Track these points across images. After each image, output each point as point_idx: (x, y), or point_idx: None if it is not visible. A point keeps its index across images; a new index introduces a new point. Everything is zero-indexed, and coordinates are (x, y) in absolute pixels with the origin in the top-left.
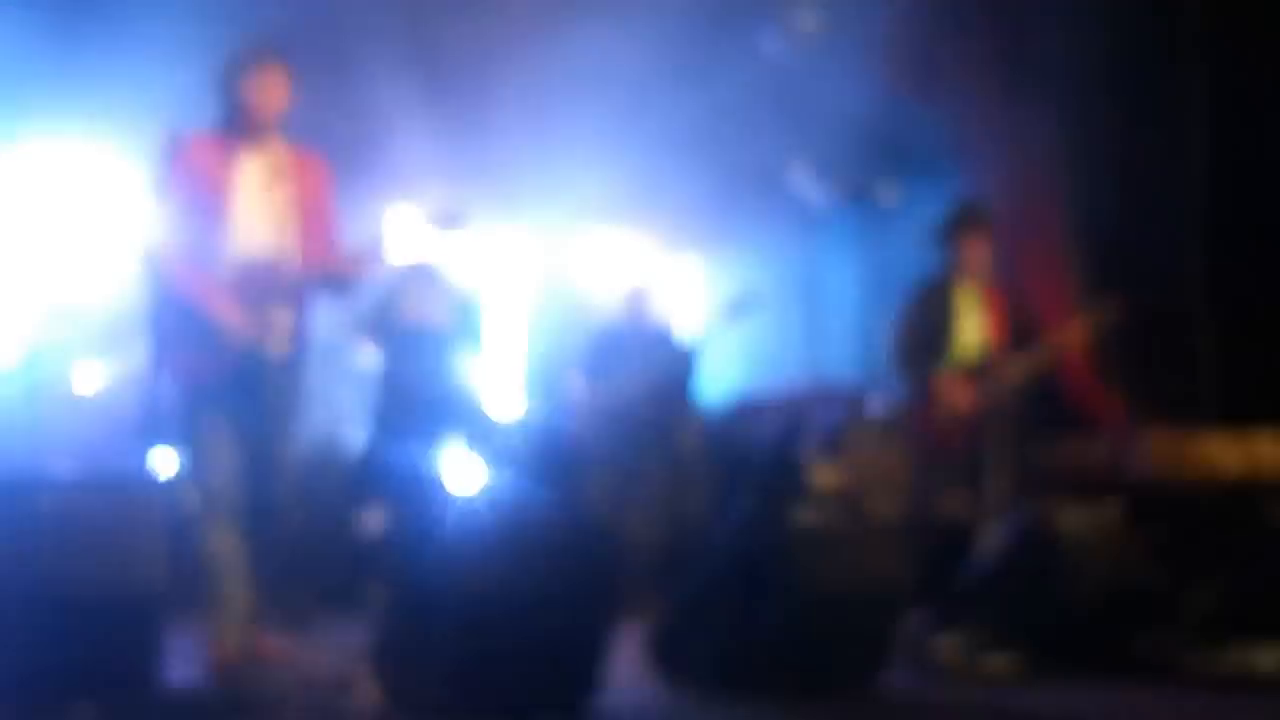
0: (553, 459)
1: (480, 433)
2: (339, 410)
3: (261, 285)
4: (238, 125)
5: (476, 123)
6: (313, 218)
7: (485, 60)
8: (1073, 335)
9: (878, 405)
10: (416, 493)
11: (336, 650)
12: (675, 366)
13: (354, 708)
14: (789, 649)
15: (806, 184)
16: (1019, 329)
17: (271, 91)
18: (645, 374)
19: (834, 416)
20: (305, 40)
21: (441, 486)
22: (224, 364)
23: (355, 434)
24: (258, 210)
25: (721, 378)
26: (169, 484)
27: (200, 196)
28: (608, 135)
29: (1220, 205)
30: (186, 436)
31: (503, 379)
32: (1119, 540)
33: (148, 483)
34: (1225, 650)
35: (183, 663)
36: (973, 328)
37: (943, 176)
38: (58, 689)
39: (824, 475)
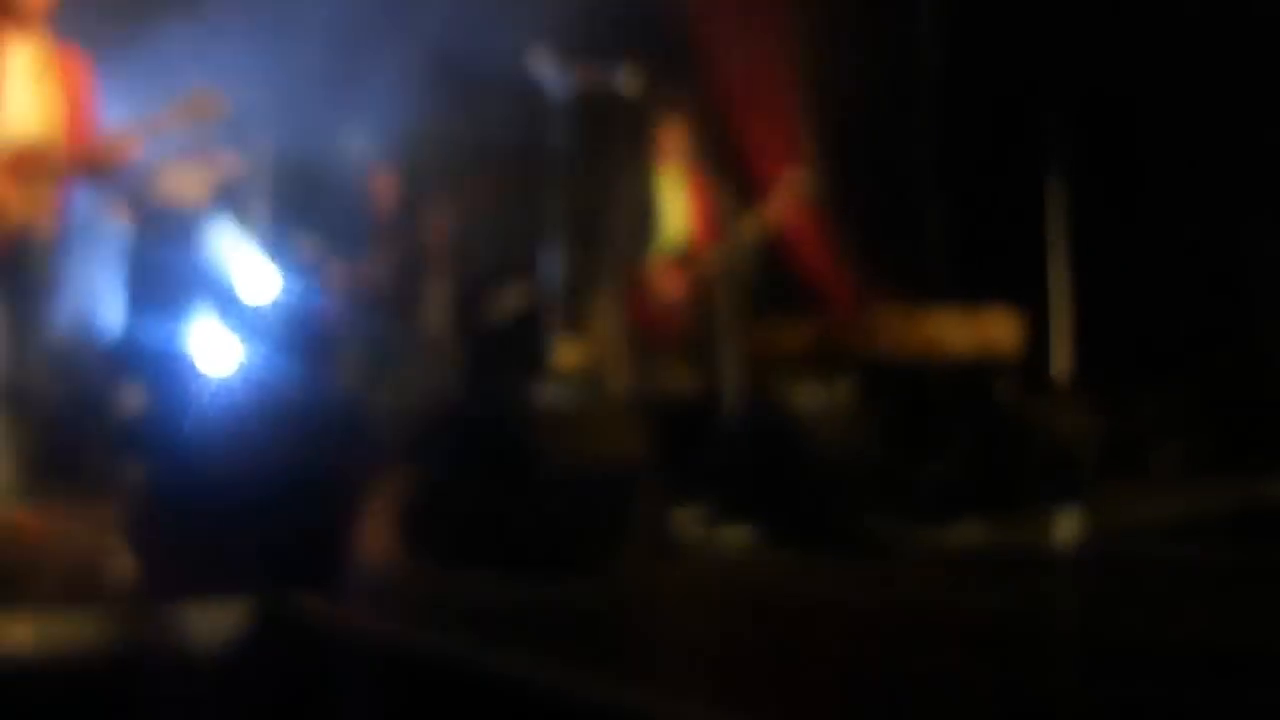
0: (305, 336)
1: (233, 310)
2: (95, 290)
3: (27, 167)
4: (6, 15)
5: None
6: (76, 108)
7: None
8: (774, 207)
9: (618, 275)
10: (170, 371)
11: (93, 527)
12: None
13: (108, 580)
14: (529, 527)
15: (542, 67)
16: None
17: None
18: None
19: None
20: None
21: (194, 365)
22: None
23: (111, 314)
24: (23, 97)
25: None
26: None
27: None
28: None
29: (952, 89)
30: None
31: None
32: (851, 415)
33: None
34: (951, 527)
35: None
36: (677, 212)
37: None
38: None
39: (565, 352)
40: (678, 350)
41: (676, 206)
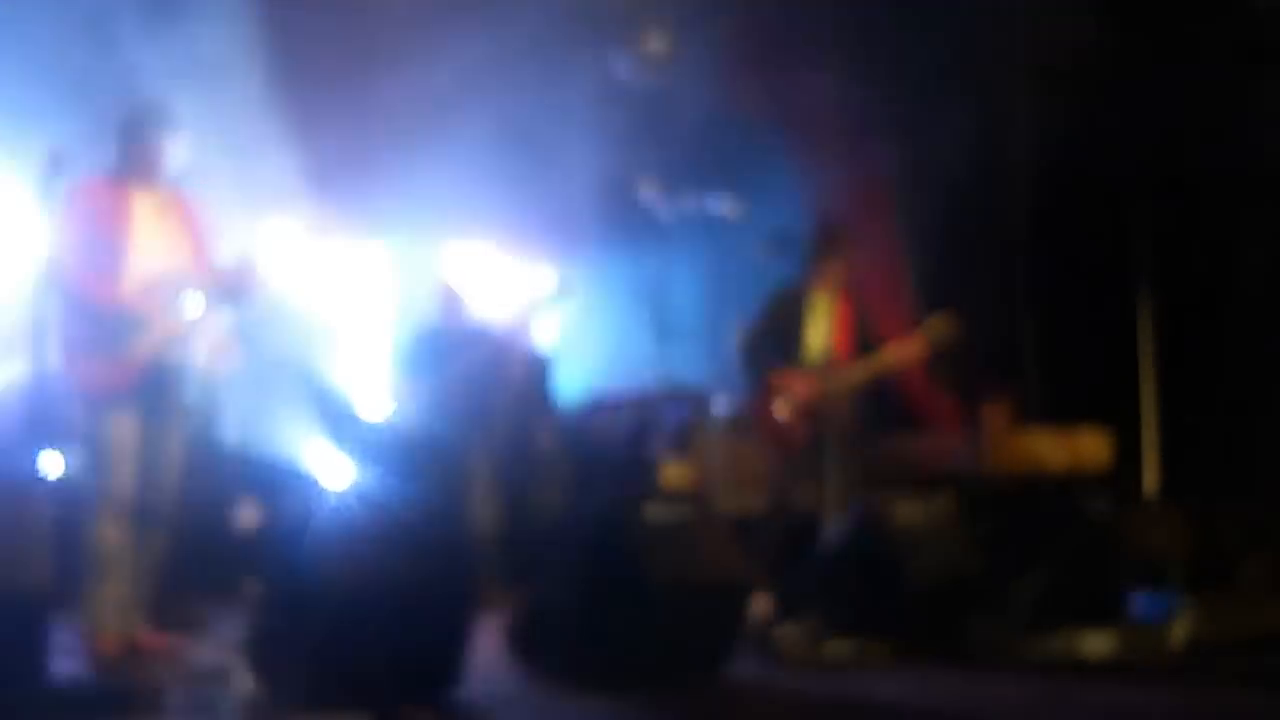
0: (418, 458)
1: (349, 431)
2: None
3: (161, 295)
4: (134, 171)
5: (339, 137)
6: (199, 247)
7: (349, 76)
8: (913, 348)
9: (723, 405)
10: (289, 489)
11: (215, 644)
12: (532, 369)
13: (229, 699)
14: (638, 640)
15: (654, 198)
16: (861, 339)
17: (172, 151)
18: (464, 371)
19: (681, 416)
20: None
21: (313, 483)
22: (132, 369)
23: (228, 431)
24: (151, 239)
25: (575, 380)
26: (54, 483)
27: (100, 231)
28: (466, 153)
29: (1040, 225)
30: (91, 438)
31: (371, 383)
32: (950, 531)
33: (33, 481)
34: (1051, 637)
35: (64, 657)
36: (821, 334)
37: (779, 192)
38: None
39: (673, 473)
40: (805, 461)
41: (822, 329)
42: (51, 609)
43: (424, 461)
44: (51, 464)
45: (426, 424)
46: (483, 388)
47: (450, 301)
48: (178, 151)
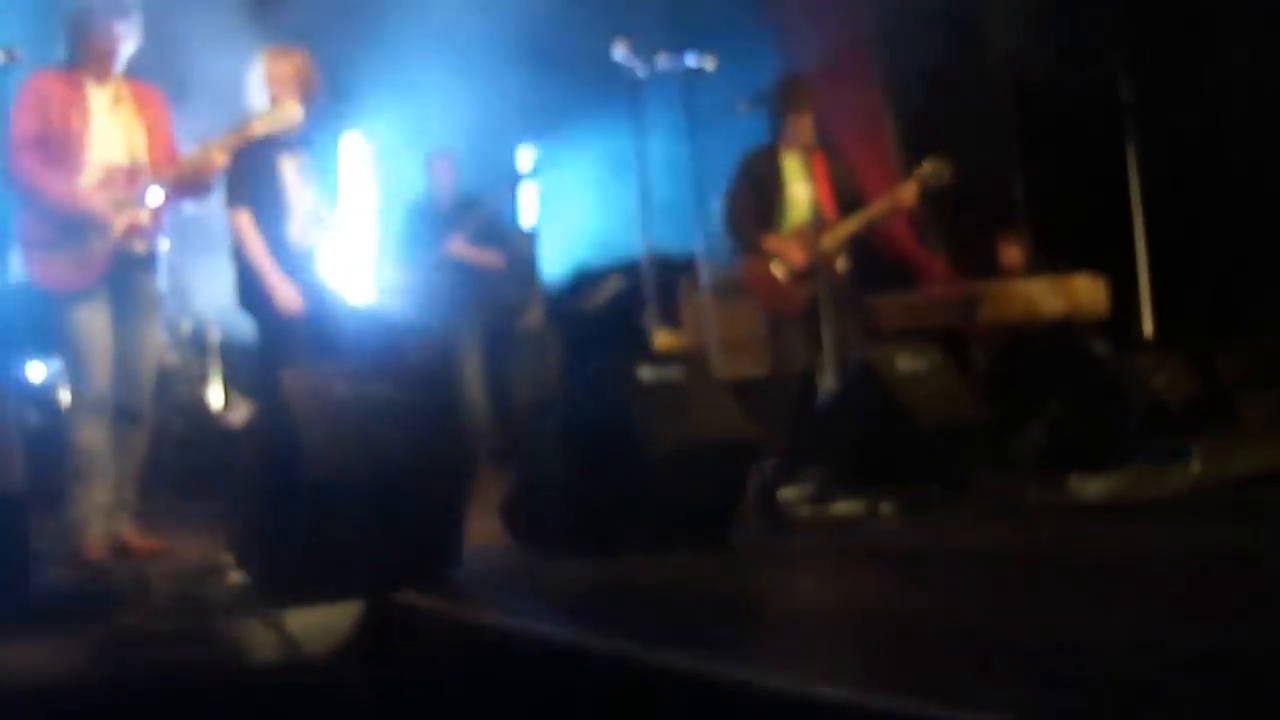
0: (405, 343)
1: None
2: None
3: (121, 189)
4: (87, 63)
5: (308, 25)
6: (156, 137)
7: None
8: (904, 195)
9: (710, 271)
10: (272, 379)
11: (209, 542)
12: (517, 242)
13: (218, 594)
14: (638, 506)
15: (629, 57)
16: (843, 194)
17: (124, 38)
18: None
19: (669, 284)
20: None
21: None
22: (96, 265)
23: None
24: (109, 131)
25: (559, 252)
26: (35, 388)
27: (55, 121)
28: (441, 40)
29: (1027, 84)
30: (61, 339)
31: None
32: (953, 378)
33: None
34: (1059, 482)
35: (51, 564)
36: (803, 191)
37: (757, 51)
38: None
39: (664, 341)
40: (803, 323)
41: (801, 187)
42: (28, 514)
43: (412, 346)
44: (34, 371)
45: (415, 307)
46: (465, 267)
47: (441, 170)
48: (130, 40)
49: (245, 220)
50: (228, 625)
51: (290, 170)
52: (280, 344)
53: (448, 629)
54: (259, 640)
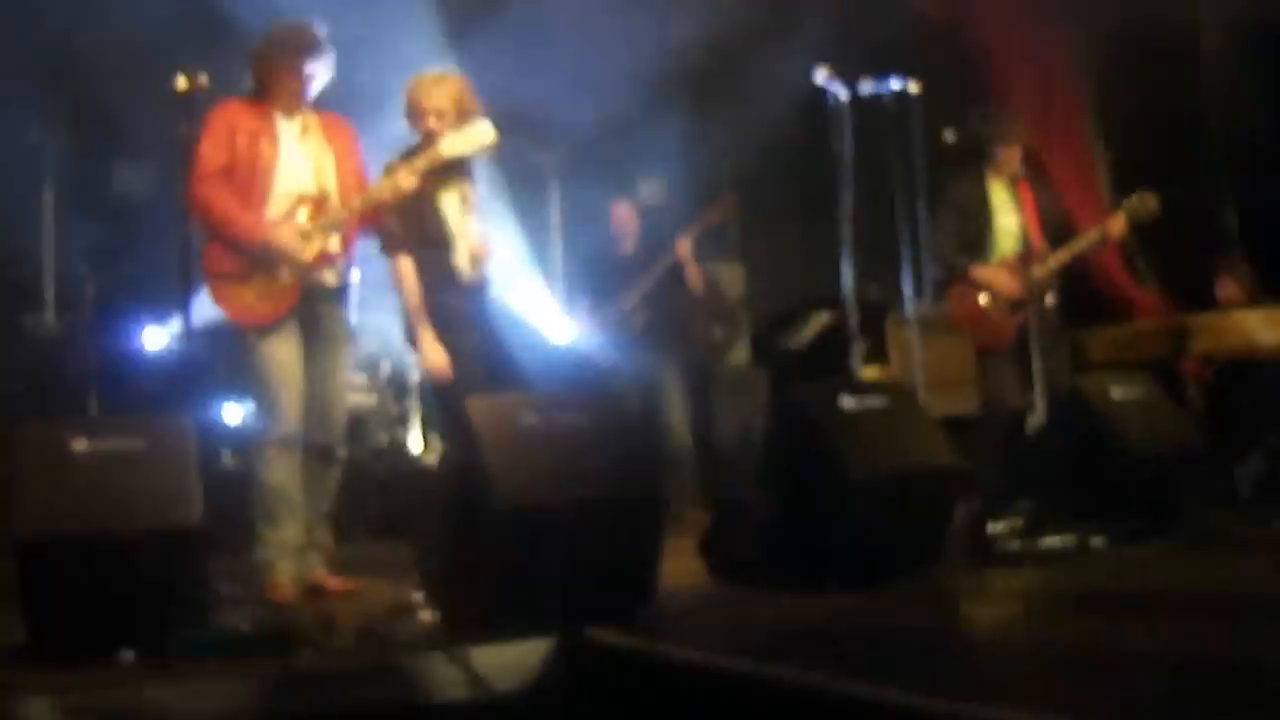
0: (595, 382)
1: (533, 363)
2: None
3: (309, 219)
4: (277, 94)
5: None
6: (344, 167)
7: None
8: (1113, 227)
9: (916, 307)
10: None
11: (398, 583)
12: (722, 284)
13: (406, 633)
14: (838, 539)
15: (828, 79)
16: (1051, 225)
17: (315, 76)
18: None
19: (874, 320)
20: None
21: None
22: (285, 297)
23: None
24: (297, 161)
25: (764, 289)
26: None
27: (243, 151)
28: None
29: (1239, 109)
30: (250, 374)
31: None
32: (1168, 408)
33: (183, 422)
34: (1273, 517)
35: (233, 601)
36: (1010, 223)
37: (959, 83)
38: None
39: (871, 375)
40: (1013, 356)
41: (1008, 218)
42: (205, 551)
43: (604, 380)
44: (230, 412)
45: (614, 348)
46: (666, 304)
47: (624, 217)
48: (322, 77)
49: (405, 267)
50: (414, 663)
51: (451, 202)
52: (457, 379)
53: (640, 666)
54: (446, 678)
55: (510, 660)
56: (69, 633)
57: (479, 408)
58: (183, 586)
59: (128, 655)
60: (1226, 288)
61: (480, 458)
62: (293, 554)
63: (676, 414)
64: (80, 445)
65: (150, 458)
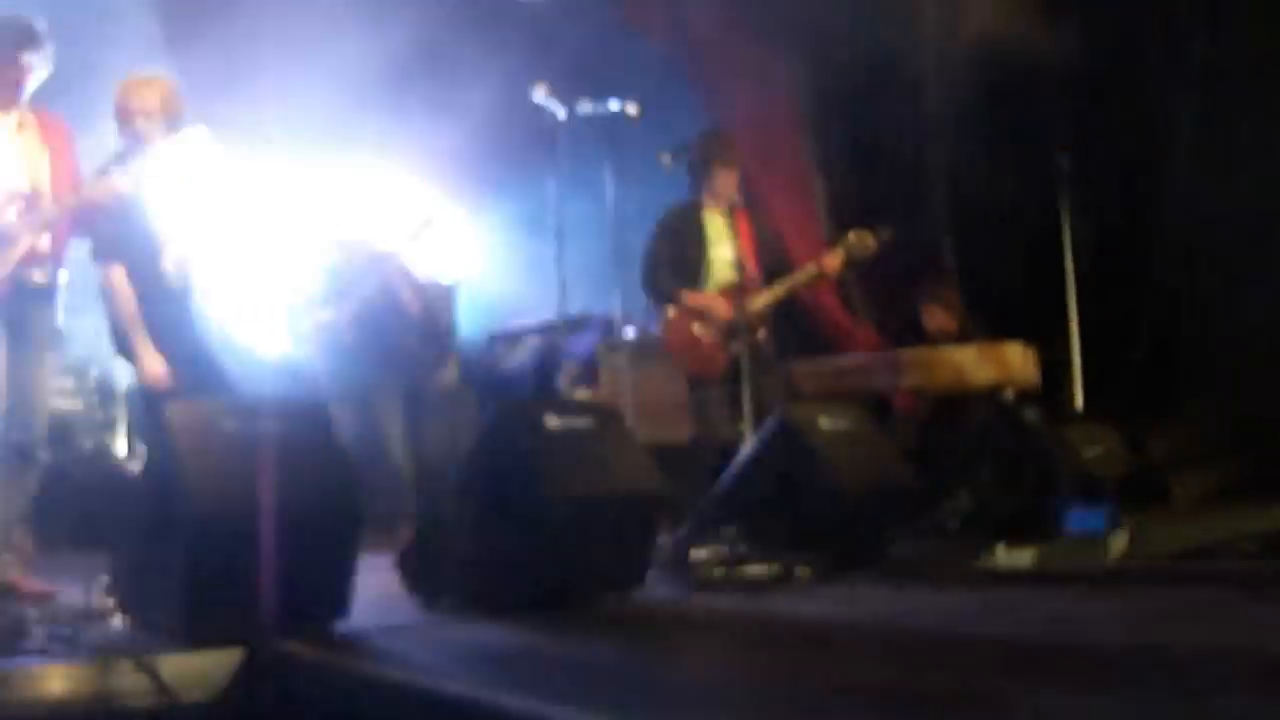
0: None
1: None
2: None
3: (19, 215)
4: None
5: (224, 53)
6: (59, 165)
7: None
8: (830, 263)
9: (631, 330)
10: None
11: (92, 585)
12: (432, 299)
13: (95, 638)
14: (539, 560)
15: (549, 100)
16: (767, 256)
17: (32, 68)
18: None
19: (588, 345)
20: None
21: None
22: None
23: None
24: (10, 157)
25: (478, 311)
26: None
27: None
28: (358, 69)
29: (959, 145)
30: None
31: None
32: (876, 439)
33: None
34: (983, 550)
35: None
36: (724, 253)
37: (681, 107)
38: None
39: (580, 399)
40: (720, 380)
41: (723, 247)
42: None
43: (320, 395)
44: None
45: (329, 360)
46: (380, 321)
47: (346, 239)
48: (40, 70)
49: (118, 276)
50: (101, 668)
51: (159, 206)
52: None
53: (328, 680)
54: (130, 685)
55: (198, 670)
56: None
57: (178, 412)
58: None
59: None
60: (935, 316)
61: (176, 462)
62: None
63: (393, 429)
64: None
65: None
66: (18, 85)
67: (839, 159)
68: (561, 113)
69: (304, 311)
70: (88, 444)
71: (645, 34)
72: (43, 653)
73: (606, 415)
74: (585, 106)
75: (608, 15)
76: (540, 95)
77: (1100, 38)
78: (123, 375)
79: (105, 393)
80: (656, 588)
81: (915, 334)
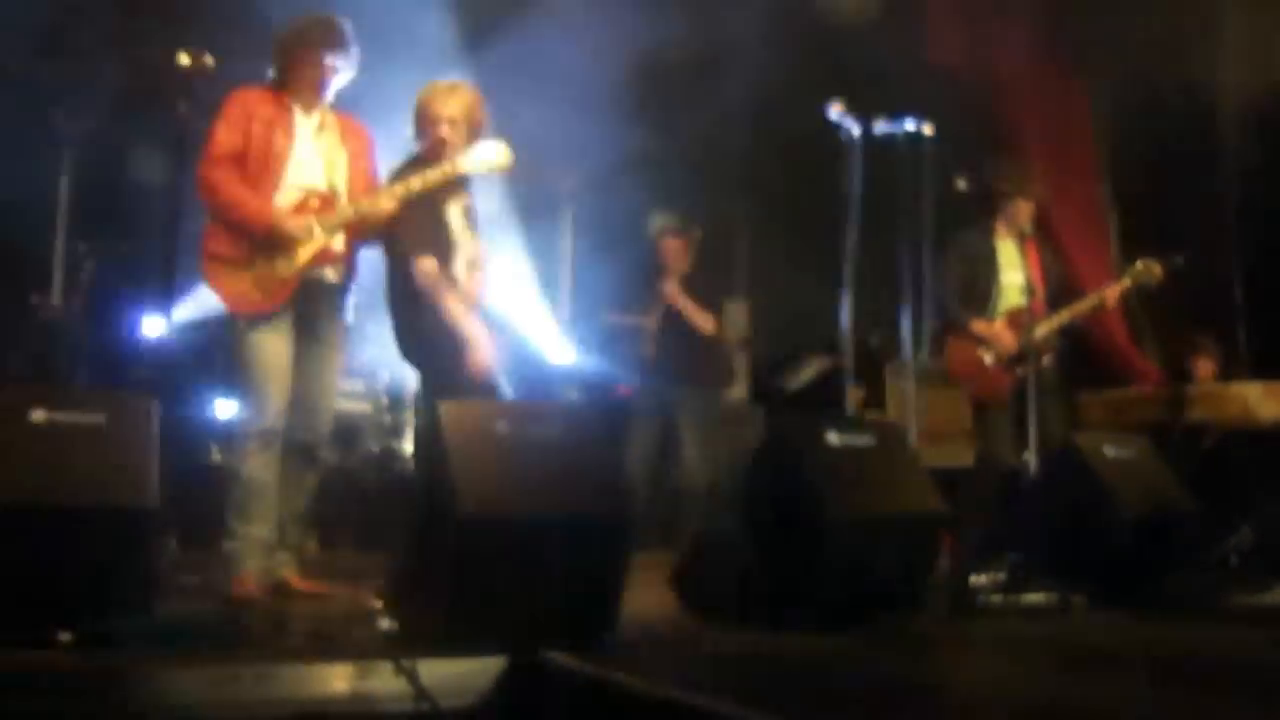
0: (600, 406)
1: (532, 378)
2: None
3: (317, 214)
4: (296, 88)
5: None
6: (357, 168)
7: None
8: (1114, 292)
9: (917, 355)
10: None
11: (360, 584)
12: (726, 319)
13: (363, 640)
14: (815, 576)
15: (842, 115)
16: (1056, 286)
17: (337, 70)
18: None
19: (873, 367)
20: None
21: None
22: (283, 288)
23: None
24: (310, 155)
25: (766, 328)
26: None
27: (257, 138)
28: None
29: (1250, 175)
30: (238, 363)
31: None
32: (1160, 471)
33: (147, 400)
34: (1261, 590)
35: (192, 592)
36: (1014, 279)
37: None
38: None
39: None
40: (1005, 407)
41: (1014, 274)
42: (155, 533)
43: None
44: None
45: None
46: (676, 336)
47: (673, 249)
48: (344, 73)
49: (433, 267)
50: (361, 670)
51: (456, 214)
52: (444, 389)
53: (593, 693)
54: (392, 689)
55: (460, 676)
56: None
57: (451, 413)
58: (128, 569)
59: (65, 636)
60: (1202, 367)
61: (447, 464)
62: (261, 551)
63: (688, 445)
64: (39, 415)
65: (109, 434)
66: (321, 86)
67: (1133, 190)
68: (857, 131)
69: (608, 323)
70: (375, 448)
71: (949, 70)
72: (304, 651)
73: (889, 433)
74: (881, 125)
75: (906, 43)
76: (836, 113)
77: None
78: (412, 380)
79: (394, 396)
80: (934, 611)
81: (1182, 376)
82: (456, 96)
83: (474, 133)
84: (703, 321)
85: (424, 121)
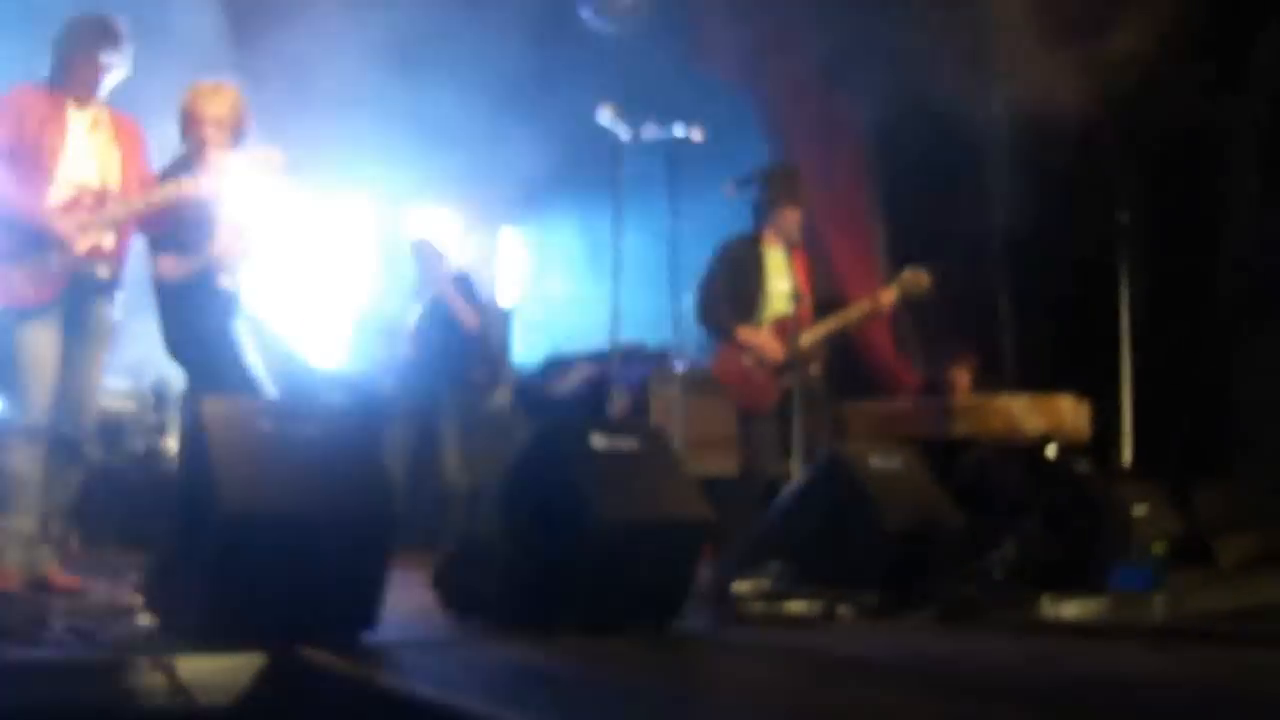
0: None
1: (292, 380)
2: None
3: (88, 211)
4: (70, 85)
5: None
6: (130, 165)
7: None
8: (883, 300)
9: (683, 361)
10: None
11: (117, 579)
12: (491, 323)
13: (117, 634)
14: (577, 581)
15: (613, 120)
16: (823, 295)
17: (111, 67)
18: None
19: (640, 375)
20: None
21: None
22: (53, 283)
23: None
24: (83, 152)
25: (531, 335)
26: None
27: (29, 136)
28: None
29: (1019, 194)
30: (4, 356)
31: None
32: (926, 482)
33: None
34: (1027, 601)
35: None
36: (781, 287)
37: (747, 139)
38: None
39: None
40: (770, 414)
41: (781, 282)
42: None
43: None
44: None
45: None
46: (437, 336)
47: (427, 257)
48: (118, 70)
49: (170, 267)
50: (117, 666)
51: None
52: (209, 387)
53: (347, 691)
54: (146, 684)
55: (219, 673)
56: None
57: (213, 409)
58: None
59: None
60: (959, 378)
61: (209, 460)
62: (23, 544)
63: (449, 448)
64: None
65: None
66: (95, 83)
67: (900, 200)
68: (625, 135)
69: (369, 326)
70: (140, 445)
71: (714, 72)
72: (61, 646)
73: (653, 437)
74: (650, 130)
75: (676, 48)
76: (606, 117)
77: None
78: (178, 378)
79: (159, 395)
80: (694, 617)
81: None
82: (221, 96)
83: (238, 134)
84: (468, 318)
85: (190, 122)
